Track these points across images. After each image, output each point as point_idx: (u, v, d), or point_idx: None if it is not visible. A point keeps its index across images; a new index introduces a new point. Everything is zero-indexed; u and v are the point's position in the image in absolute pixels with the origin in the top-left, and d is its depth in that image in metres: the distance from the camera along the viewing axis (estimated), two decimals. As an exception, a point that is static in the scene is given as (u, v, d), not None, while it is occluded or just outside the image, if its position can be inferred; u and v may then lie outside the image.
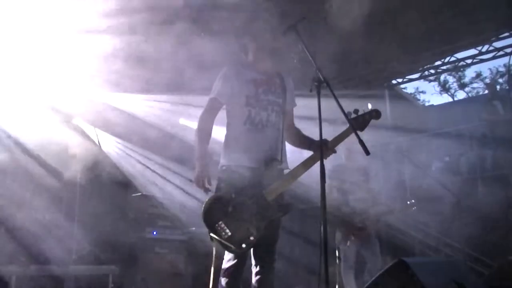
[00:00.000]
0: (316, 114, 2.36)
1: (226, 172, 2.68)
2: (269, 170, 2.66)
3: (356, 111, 2.65)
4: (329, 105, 2.47)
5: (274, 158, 2.70)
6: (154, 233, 6.04)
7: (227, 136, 2.80)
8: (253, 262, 2.68)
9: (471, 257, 5.61)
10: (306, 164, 2.66)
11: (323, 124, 2.37)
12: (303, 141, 2.91)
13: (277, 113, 2.79)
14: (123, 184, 6.69)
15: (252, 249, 2.62)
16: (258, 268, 2.65)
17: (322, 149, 2.41)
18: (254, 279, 2.66)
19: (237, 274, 2.57)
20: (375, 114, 2.72)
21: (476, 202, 5.26)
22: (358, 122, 2.66)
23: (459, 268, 3.50)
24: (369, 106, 2.76)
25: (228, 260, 2.59)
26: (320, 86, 2.46)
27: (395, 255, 5.41)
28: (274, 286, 2.69)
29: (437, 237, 6.71)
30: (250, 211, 2.52)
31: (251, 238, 2.48)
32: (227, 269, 2.58)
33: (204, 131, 2.75)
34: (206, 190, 2.60)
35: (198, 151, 2.68)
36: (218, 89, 2.77)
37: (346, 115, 2.51)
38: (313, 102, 2.41)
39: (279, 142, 2.75)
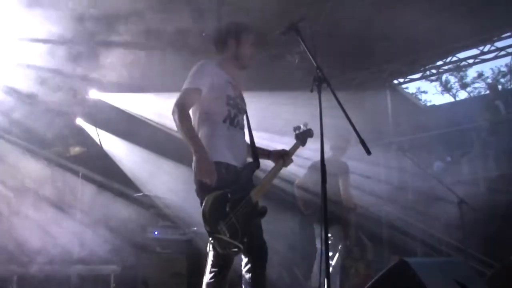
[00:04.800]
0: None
1: (217, 168, 2.53)
2: (252, 172, 2.70)
3: (298, 127, 2.99)
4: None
5: (253, 162, 2.75)
6: (156, 233, 6.04)
7: (206, 130, 2.65)
8: (244, 259, 2.63)
9: (473, 257, 5.60)
10: (276, 172, 2.82)
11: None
12: (259, 152, 2.89)
13: (243, 119, 2.82)
14: (124, 184, 6.70)
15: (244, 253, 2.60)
16: (249, 266, 2.60)
17: (323, 148, 2.41)
18: (245, 277, 2.60)
19: (225, 276, 2.55)
20: (311, 133, 3.02)
21: (477, 202, 5.24)
22: (300, 139, 2.99)
23: (461, 268, 3.49)
24: (302, 126, 3.03)
25: (215, 262, 2.53)
26: (321, 86, 2.46)
27: (397, 255, 5.41)
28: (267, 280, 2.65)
29: (439, 237, 6.70)
30: (243, 213, 2.50)
31: (245, 239, 2.46)
32: (216, 271, 2.52)
33: (190, 122, 2.60)
34: (215, 180, 2.46)
35: (195, 141, 2.49)
36: (200, 80, 2.64)
37: (349, 117, 2.49)
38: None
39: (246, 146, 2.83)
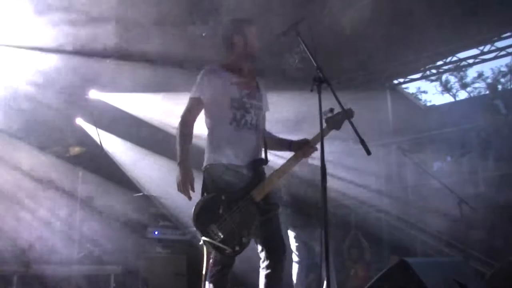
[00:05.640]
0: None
1: (213, 170, 2.62)
2: (256, 171, 2.66)
3: (331, 110, 2.69)
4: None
5: (261, 158, 2.72)
6: (156, 233, 6.05)
7: (211, 136, 2.74)
8: (261, 258, 2.64)
9: (473, 257, 5.60)
10: (290, 164, 2.72)
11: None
12: (280, 143, 2.91)
13: (258, 117, 2.79)
14: (124, 184, 6.69)
15: (260, 251, 2.62)
16: (268, 270, 2.60)
17: (322, 148, 2.42)
18: (262, 273, 2.62)
19: (226, 276, 2.56)
20: (350, 113, 2.75)
21: (477, 202, 5.24)
22: (334, 121, 2.73)
23: (460, 268, 3.50)
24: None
25: (216, 263, 2.56)
26: (321, 86, 2.46)
27: (397, 255, 5.41)
28: (283, 280, 2.65)
29: (439, 237, 6.70)
30: (241, 213, 2.50)
31: (243, 240, 2.46)
32: (216, 272, 2.55)
33: (187, 132, 2.69)
34: (190, 197, 2.54)
35: (181, 154, 2.60)
36: (201, 89, 2.73)
37: (347, 114, 2.52)
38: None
39: (262, 144, 2.78)
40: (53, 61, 5.29)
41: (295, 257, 4.54)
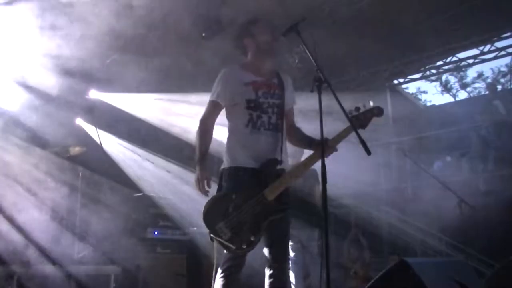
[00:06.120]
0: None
1: (228, 172, 2.68)
2: (270, 171, 2.64)
3: (357, 108, 2.60)
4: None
5: (275, 158, 2.68)
6: (156, 233, 6.04)
7: (229, 138, 2.78)
8: (266, 264, 2.66)
9: (473, 258, 5.60)
10: (307, 164, 2.69)
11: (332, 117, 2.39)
12: (303, 140, 2.87)
13: (277, 115, 2.75)
14: (124, 184, 6.69)
15: (265, 251, 2.64)
16: (270, 270, 2.62)
17: (323, 149, 2.42)
18: (267, 281, 2.63)
19: (234, 276, 2.57)
20: (377, 111, 2.63)
21: (478, 202, 5.24)
22: (359, 120, 2.60)
23: (461, 268, 3.50)
24: (371, 103, 2.63)
25: (225, 261, 2.58)
26: (321, 86, 2.46)
27: (397, 255, 5.41)
28: (287, 280, 2.66)
29: (439, 237, 6.70)
30: (251, 212, 2.51)
31: (252, 238, 2.47)
32: (224, 270, 2.57)
33: (205, 133, 2.76)
34: (206, 193, 2.62)
35: (199, 153, 2.70)
36: (217, 92, 2.77)
37: (347, 114, 2.53)
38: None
39: (280, 143, 2.74)
40: (53, 60, 5.29)
41: (292, 258, 4.53)
